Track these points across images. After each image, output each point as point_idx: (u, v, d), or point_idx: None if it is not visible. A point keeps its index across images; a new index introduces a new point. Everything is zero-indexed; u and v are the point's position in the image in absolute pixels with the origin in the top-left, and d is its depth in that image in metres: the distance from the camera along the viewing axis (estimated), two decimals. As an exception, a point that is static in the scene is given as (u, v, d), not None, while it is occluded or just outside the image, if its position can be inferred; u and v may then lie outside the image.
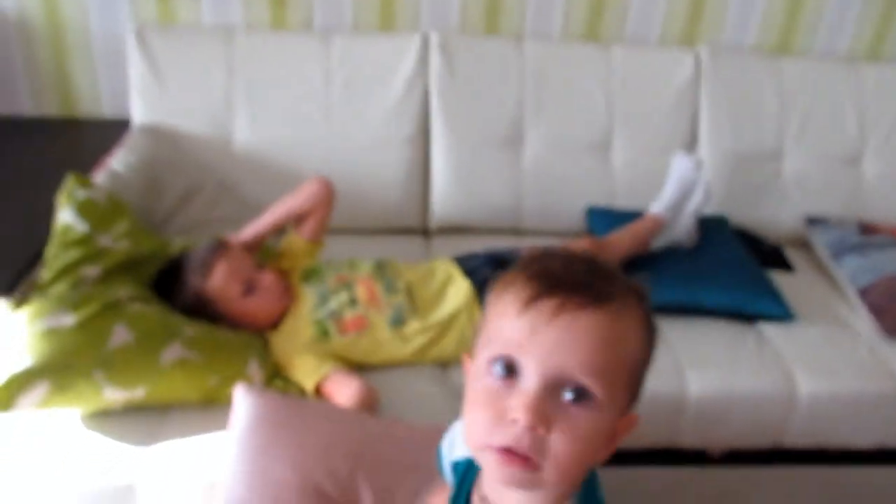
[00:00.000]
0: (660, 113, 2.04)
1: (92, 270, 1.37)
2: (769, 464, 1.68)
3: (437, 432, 1.19)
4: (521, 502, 0.66)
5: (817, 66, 2.11)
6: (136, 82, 1.84)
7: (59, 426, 1.24)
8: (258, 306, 1.45)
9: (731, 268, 1.80)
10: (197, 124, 1.85)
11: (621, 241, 1.75)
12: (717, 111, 2.05)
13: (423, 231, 2.03)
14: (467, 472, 0.74)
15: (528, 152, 1.99)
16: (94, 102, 2.03)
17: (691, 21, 2.13)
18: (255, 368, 1.36)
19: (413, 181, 1.96)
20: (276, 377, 1.40)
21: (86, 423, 1.25)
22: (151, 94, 1.84)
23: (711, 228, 1.91)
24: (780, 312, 1.72)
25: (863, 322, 1.75)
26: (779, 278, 1.84)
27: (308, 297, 1.50)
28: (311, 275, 1.56)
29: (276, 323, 1.48)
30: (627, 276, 0.65)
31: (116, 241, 1.42)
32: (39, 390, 1.18)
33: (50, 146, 1.88)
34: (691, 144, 2.06)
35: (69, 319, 1.25)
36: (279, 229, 1.58)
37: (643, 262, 1.76)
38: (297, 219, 1.58)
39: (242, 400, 1.18)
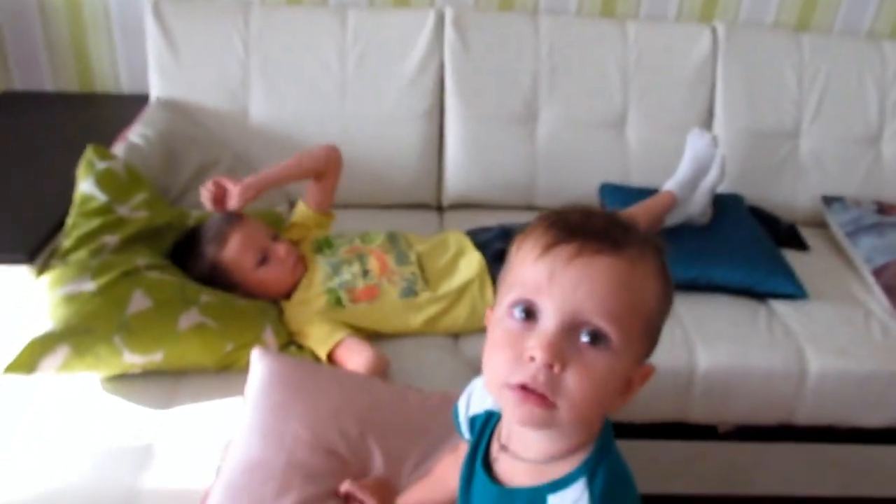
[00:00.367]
0: (676, 90, 2.03)
1: (111, 239, 1.40)
2: (778, 440, 1.68)
3: (447, 400, 1.22)
4: (540, 448, 0.68)
5: (838, 44, 2.09)
6: (154, 57, 1.86)
7: (79, 390, 1.28)
8: (272, 276, 1.47)
9: (744, 245, 1.80)
10: (213, 99, 1.87)
11: (635, 217, 1.74)
12: (734, 88, 2.04)
13: (437, 206, 2.05)
14: (486, 424, 0.76)
15: (542, 128, 1.99)
16: (112, 78, 2.07)
17: (709, -3, 2.11)
18: (269, 335, 1.38)
19: (427, 157, 1.97)
20: (290, 345, 1.43)
21: (105, 387, 1.29)
22: (169, 69, 1.86)
23: (726, 206, 1.90)
24: (793, 290, 1.72)
25: (876, 302, 1.74)
26: (793, 257, 1.84)
27: (320, 267, 1.52)
28: (322, 246, 1.58)
29: (289, 292, 1.50)
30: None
31: (135, 211, 1.45)
32: (60, 354, 1.22)
33: (70, 121, 1.92)
34: (707, 122, 2.05)
35: (89, 286, 1.28)
36: (290, 182, 1.60)
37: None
38: (311, 176, 1.60)
39: (258, 362, 1.21)
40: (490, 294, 1.53)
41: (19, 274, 1.36)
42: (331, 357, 1.38)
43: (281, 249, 1.49)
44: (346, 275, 1.50)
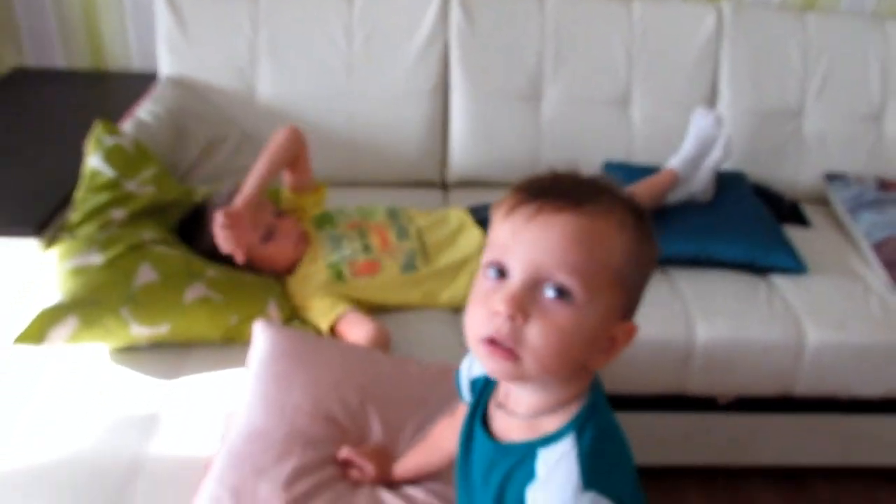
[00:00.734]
0: (680, 69, 2.03)
1: (119, 213, 1.43)
2: (777, 411, 1.70)
3: (446, 371, 1.25)
4: (529, 403, 0.71)
5: (842, 24, 2.09)
6: (164, 36, 1.89)
7: (88, 361, 1.31)
8: (277, 251, 1.50)
9: (745, 221, 1.81)
10: (222, 77, 1.90)
11: (636, 193, 1.76)
12: (739, 67, 2.04)
13: (442, 184, 2.07)
14: (485, 387, 0.79)
15: (546, 107, 2.00)
16: (123, 56, 2.09)
17: (714, -25, 2.11)
18: (273, 309, 1.41)
19: (432, 135, 1.99)
20: (293, 318, 1.45)
21: (112, 359, 1.32)
22: (178, 47, 1.88)
23: (729, 184, 1.91)
24: (793, 265, 1.73)
25: (875, 276, 1.75)
26: (795, 233, 1.85)
27: (322, 242, 1.54)
28: (323, 221, 1.60)
29: (293, 267, 1.53)
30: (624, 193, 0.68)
31: (142, 187, 1.48)
32: (69, 325, 1.25)
33: (81, 97, 1.95)
34: (712, 100, 2.05)
35: (97, 258, 1.32)
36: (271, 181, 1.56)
37: (658, 215, 1.78)
38: (287, 166, 1.57)
39: (261, 334, 1.24)
40: None
41: (27, 247, 1.40)
42: (333, 330, 1.41)
43: (285, 225, 1.51)
44: (348, 250, 1.53)
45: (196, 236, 1.47)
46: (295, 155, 1.56)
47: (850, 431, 1.74)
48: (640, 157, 2.01)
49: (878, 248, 1.76)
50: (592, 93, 2.01)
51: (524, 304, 0.63)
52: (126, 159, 1.49)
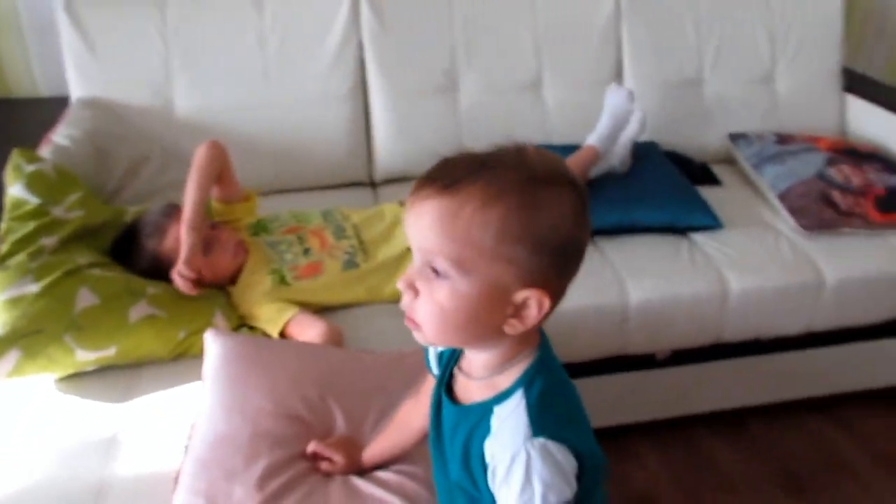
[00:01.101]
0: (585, 49, 2.12)
1: (49, 240, 1.40)
2: (711, 360, 1.81)
3: (399, 358, 1.29)
4: (479, 364, 0.77)
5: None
6: (71, 57, 1.84)
7: (32, 394, 1.28)
8: (216, 263, 1.49)
9: (662, 187, 1.92)
10: (137, 94, 1.87)
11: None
12: (639, 44, 2.15)
13: (370, 182, 2.09)
14: (451, 357, 0.84)
15: (463, 97, 2.06)
16: (28, 81, 2.04)
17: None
18: (220, 320, 1.42)
19: (355, 135, 2.02)
20: (241, 327, 1.46)
21: (59, 388, 1.30)
22: (87, 67, 1.85)
23: (643, 153, 2.01)
24: (710, 222, 1.85)
25: (784, 223, 1.89)
26: (708, 192, 1.96)
27: (260, 249, 1.55)
28: (258, 229, 1.61)
29: (234, 277, 1.53)
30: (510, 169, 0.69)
31: (70, 211, 1.45)
32: (11, 358, 1.23)
33: (-11, 128, 1.88)
34: (618, 77, 2.15)
35: (33, 287, 1.29)
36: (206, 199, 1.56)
37: (581, 189, 1.85)
38: (215, 181, 1.57)
39: (212, 342, 1.24)
40: None
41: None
42: (283, 335, 1.42)
43: (222, 235, 1.51)
44: (288, 254, 1.54)
45: (132, 256, 1.46)
46: (220, 168, 1.56)
47: (777, 369, 1.87)
48: (557, 137, 2.09)
49: (783, 197, 1.89)
50: (505, 80, 2.08)
51: (413, 282, 0.70)
52: (49, 185, 1.46)
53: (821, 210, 1.83)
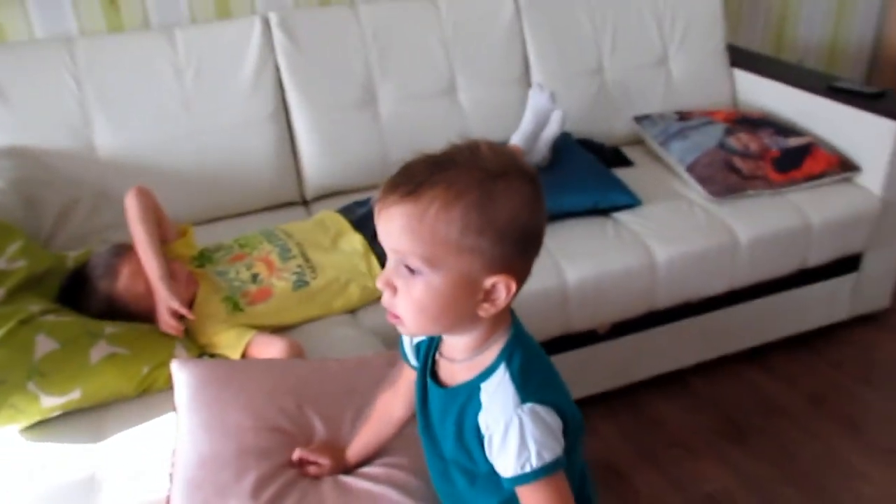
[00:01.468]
0: (493, 50, 2.23)
1: (-5, 293, 1.38)
2: (648, 328, 1.94)
3: (362, 362, 1.34)
4: (459, 347, 0.84)
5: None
6: (-19, 108, 1.80)
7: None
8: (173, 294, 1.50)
9: (582, 174, 2.04)
10: (55, 138, 1.84)
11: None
12: (541, 40, 2.27)
13: (303, 201, 2.13)
14: (430, 346, 0.90)
15: (382, 108, 2.12)
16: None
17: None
18: (181, 351, 1.43)
19: (282, 156, 2.05)
20: (202, 356, 1.47)
21: (27, 437, 1.28)
22: (1, 117, 1.80)
23: (560, 145, 2.12)
24: (629, 200, 1.98)
25: (694, 192, 2.05)
26: (623, 173, 2.10)
27: (209, 279, 1.56)
28: (203, 260, 1.62)
29: (188, 309, 1.53)
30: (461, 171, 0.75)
31: (13, 262, 1.43)
32: (-26, 414, 1.21)
33: None
34: (526, 74, 2.27)
35: (-12, 341, 1.27)
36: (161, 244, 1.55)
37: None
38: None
39: (180, 371, 1.25)
40: (377, 268, 1.65)
41: None
42: (245, 357, 1.44)
43: (173, 267, 1.51)
44: (237, 282, 1.56)
45: (86, 299, 1.45)
46: (155, 210, 1.57)
47: (708, 328, 2.02)
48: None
49: (691, 168, 2.05)
50: (421, 87, 2.16)
51: (390, 280, 0.77)
52: (-14, 239, 1.43)
53: (726, 177, 1.99)
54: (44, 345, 1.29)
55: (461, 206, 0.72)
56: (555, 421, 0.78)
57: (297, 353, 1.44)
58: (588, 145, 2.22)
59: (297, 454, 1.13)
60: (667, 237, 1.88)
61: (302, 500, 1.07)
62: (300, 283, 1.58)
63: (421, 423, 0.91)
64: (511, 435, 0.77)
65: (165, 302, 1.44)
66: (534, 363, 0.82)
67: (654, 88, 2.38)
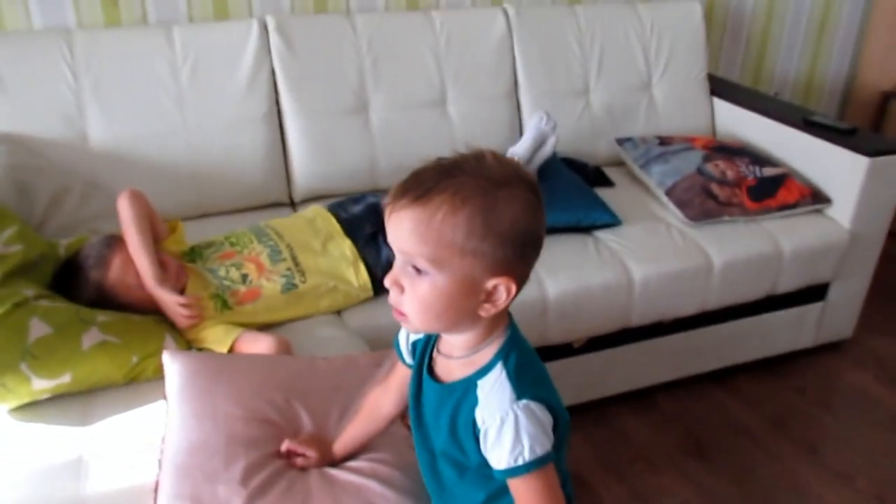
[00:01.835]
0: (483, 66, 2.29)
1: (-9, 276, 1.39)
2: (621, 344, 2.00)
3: (350, 360, 1.38)
4: (459, 345, 0.88)
5: (605, 10, 2.46)
6: (-21, 96, 1.81)
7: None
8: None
9: (565, 192, 2.10)
10: (51, 128, 1.85)
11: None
12: (530, 59, 2.34)
13: (290, 203, 2.16)
14: (427, 344, 0.95)
15: (374, 116, 2.17)
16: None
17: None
18: (171, 343, 1.45)
19: (273, 157, 2.08)
20: (189, 349, 1.49)
21: (16, 417, 1.30)
22: (-1, 105, 1.81)
23: (545, 163, 2.18)
24: (610, 219, 2.05)
25: (672, 215, 2.12)
26: (604, 193, 2.17)
27: (199, 275, 1.59)
28: (193, 256, 1.64)
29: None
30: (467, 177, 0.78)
31: (8, 246, 1.44)
32: (-35, 392, 1.22)
33: None
34: (514, 91, 2.33)
35: (-17, 322, 1.28)
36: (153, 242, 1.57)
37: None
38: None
39: (172, 362, 1.28)
40: (365, 276, 1.69)
41: None
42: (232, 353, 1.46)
43: (163, 259, 1.54)
44: (226, 281, 1.59)
45: (78, 288, 1.47)
46: (148, 211, 1.58)
47: (679, 348, 2.09)
48: (463, 150, 2.23)
49: (670, 192, 2.13)
50: (412, 98, 2.21)
51: (398, 279, 0.81)
52: (-19, 222, 1.44)
53: (703, 202, 2.07)
54: (37, 328, 1.31)
55: (466, 211, 0.77)
56: (546, 417, 0.83)
57: (284, 349, 1.47)
58: (572, 164, 2.28)
59: (285, 445, 1.16)
60: (644, 257, 1.95)
61: (289, 488, 1.10)
62: (289, 287, 1.61)
63: (413, 415, 0.95)
64: (506, 429, 0.81)
65: (171, 305, 1.47)
66: (528, 362, 0.87)
67: (637, 112, 2.46)
